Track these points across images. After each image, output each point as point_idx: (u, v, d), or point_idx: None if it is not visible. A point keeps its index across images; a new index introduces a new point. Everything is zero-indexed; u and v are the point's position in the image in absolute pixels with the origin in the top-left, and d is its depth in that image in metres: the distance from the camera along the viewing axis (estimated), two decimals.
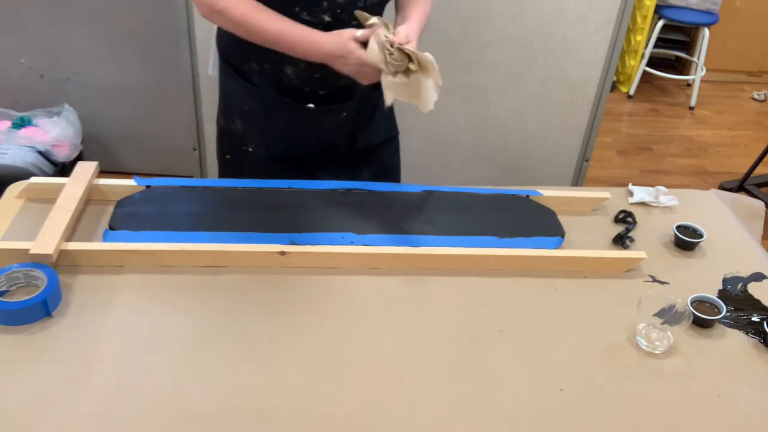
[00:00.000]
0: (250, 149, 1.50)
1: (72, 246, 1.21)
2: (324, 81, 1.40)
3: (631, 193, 1.57)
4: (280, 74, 1.40)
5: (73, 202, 1.30)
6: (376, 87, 1.47)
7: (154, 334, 1.09)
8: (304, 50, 1.28)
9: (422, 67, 1.19)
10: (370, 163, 1.59)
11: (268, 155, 1.50)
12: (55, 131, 2.44)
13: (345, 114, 1.47)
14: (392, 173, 1.67)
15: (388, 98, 1.23)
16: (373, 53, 1.19)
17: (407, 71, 1.20)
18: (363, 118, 1.52)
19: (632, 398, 1.06)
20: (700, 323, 1.20)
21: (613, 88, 4.20)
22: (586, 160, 2.22)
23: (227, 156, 1.56)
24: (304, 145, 1.50)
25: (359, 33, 1.22)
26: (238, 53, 1.42)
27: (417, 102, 1.24)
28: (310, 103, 1.43)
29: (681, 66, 4.44)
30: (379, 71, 1.22)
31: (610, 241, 1.41)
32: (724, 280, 1.33)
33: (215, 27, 1.53)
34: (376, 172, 1.61)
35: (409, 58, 1.19)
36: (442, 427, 0.99)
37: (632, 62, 4.09)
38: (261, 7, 1.27)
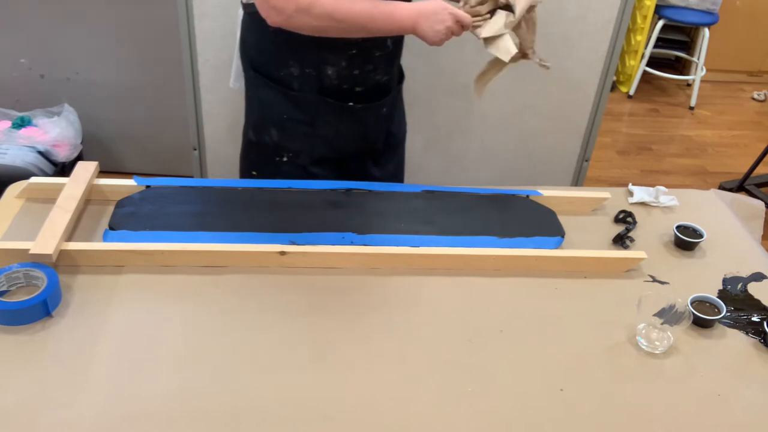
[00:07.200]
0: (285, 159, 1.49)
1: (72, 246, 1.21)
2: (362, 78, 1.42)
3: (631, 193, 1.57)
4: (322, 76, 1.39)
5: (73, 202, 1.30)
6: (401, 79, 1.54)
7: (154, 334, 1.09)
8: (398, 22, 1.27)
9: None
10: (393, 157, 1.63)
11: (310, 161, 1.49)
12: (55, 131, 2.43)
13: (385, 109, 1.51)
14: (402, 168, 1.71)
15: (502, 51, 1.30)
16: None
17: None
18: (396, 113, 1.58)
19: (632, 398, 1.06)
20: (700, 323, 1.20)
21: (613, 88, 4.20)
22: (586, 160, 2.22)
23: (254, 172, 1.54)
24: (348, 144, 1.51)
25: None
26: (276, 60, 1.40)
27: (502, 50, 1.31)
28: (349, 101, 1.44)
29: (681, 66, 4.43)
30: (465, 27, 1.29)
31: (610, 241, 1.41)
32: (724, 280, 1.33)
33: (238, 38, 1.50)
34: (397, 166, 1.65)
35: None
36: (442, 426, 0.99)
37: (632, 62, 4.09)
38: None
